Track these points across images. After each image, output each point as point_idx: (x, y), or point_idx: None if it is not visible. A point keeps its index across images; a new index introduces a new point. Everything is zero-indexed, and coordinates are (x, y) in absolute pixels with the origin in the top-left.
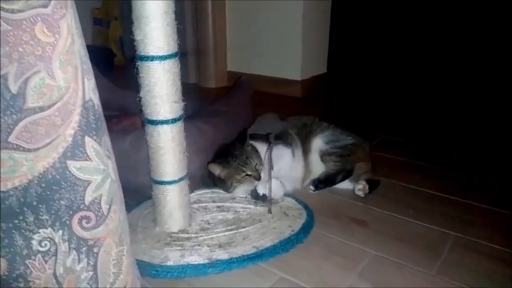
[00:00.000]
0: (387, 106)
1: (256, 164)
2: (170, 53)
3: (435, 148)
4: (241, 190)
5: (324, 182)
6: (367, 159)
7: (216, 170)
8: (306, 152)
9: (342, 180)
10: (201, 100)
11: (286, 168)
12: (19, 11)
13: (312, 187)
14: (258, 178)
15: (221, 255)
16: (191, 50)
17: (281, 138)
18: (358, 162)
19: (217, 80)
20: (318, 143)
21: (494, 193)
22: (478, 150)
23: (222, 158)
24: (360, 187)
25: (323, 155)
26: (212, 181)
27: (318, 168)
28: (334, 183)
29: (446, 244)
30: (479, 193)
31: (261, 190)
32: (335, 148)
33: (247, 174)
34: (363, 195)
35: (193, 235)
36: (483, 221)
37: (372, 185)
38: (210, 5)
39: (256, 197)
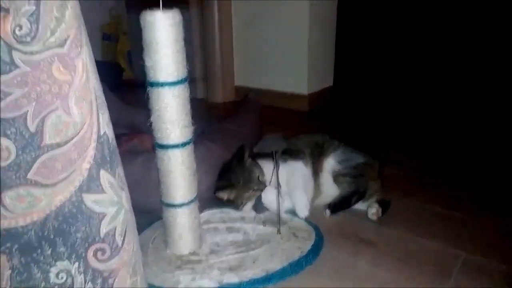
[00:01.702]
0: (393, 120)
1: (259, 176)
2: (179, 79)
3: (445, 165)
4: (250, 205)
5: (340, 206)
6: (377, 178)
7: (224, 196)
8: (317, 172)
9: (357, 202)
10: (209, 118)
11: (302, 179)
12: (37, 52)
13: (328, 211)
14: (263, 188)
15: (232, 278)
16: (199, 67)
17: (290, 155)
18: (370, 181)
19: (224, 95)
20: (330, 163)
21: (505, 212)
22: (490, 169)
23: (224, 179)
24: (374, 211)
25: (337, 176)
26: (222, 203)
27: (330, 189)
28: (350, 205)
29: (456, 265)
30: (490, 213)
31: (266, 199)
32: (348, 168)
33: (254, 189)
34: (376, 219)
35: (203, 258)
36: (493, 241)
37: (384, 206)
38: (217, 21)
39: (257, 209)
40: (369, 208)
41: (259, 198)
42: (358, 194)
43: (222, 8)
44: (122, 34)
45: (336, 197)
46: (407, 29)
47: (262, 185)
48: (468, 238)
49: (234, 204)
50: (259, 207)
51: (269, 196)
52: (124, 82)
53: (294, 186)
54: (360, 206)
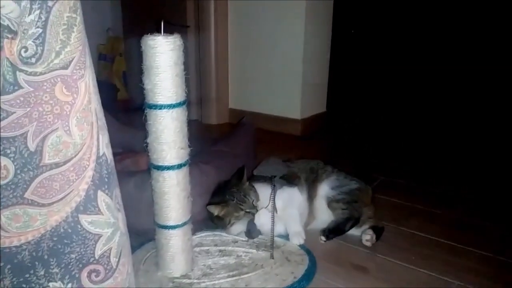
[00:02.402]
0: (386, 146)
1: (253, 200)
2: (178, 102)
3: (435, 191)
4: (238, 228)
5: (334, 232)
6: (370, 204)
7: (215, 211)
8: (311, 197)
9: (351, 228)
10: (203, 140)
11: (300, 208)
12: (41, 73)
13: (323, 238)
14: (255, 212)
15: None
16: (194, 89)
17: (287, 180)
18: (364, 207)
19: (218, 117)
20: (324, 189)
21: (497, 240)
22: (480, 195)
23: (219, 196)
24: (368, 238)
25: (331, 202)
26: (210, 219)
27: (324, 214)
28: (345, 231)
29: None
30: (480, 240)
31: (259, 221)
32: (342, 194)
33: (246, 212)
34: (370, 245)
35: (195, 281)
36: (485, 269)
37: (378, 233)
38: (213, 50)
39: (250, 235)
40: (363, 234)
41: (253, 224)
42: (352, 220)
43: (218, 33)
44: (118, 55)
45: (330, 223)
46: (399, 56)
47: (254, 210)
48: (461, 267)
49: (222, 221)
50: (252, 232)
51: (262, 219)
52: (118, 102)
53: (290, 214)
54: (354, 232)
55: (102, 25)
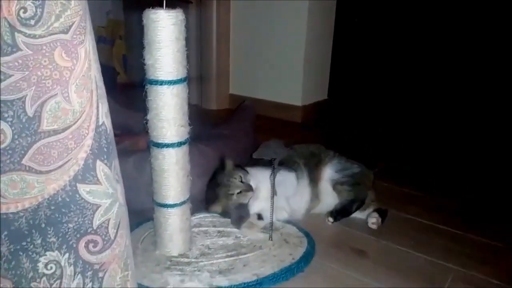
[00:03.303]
0: (386, 134)
1: (241, 178)
2: (179, 78)
3: (436, 178)
4: (256, 207)
5: (341, 213)
6: (372, 188)
7: (215, 208)
8: (315, 181)
9: (357, 209)
10: (203, 123)
11: (291, 191)
12: (40, 36)
13: (331, 219)
14: (249, 189)
15: (222, 282)
16: (194, 74)
17: (285, 165)
18: (367, 190)
19: (218, 103)
20: (328, 172)
21: (494, 226)
22: (479, 182)
23: (212, 195)
24: (374, 221)
25: (335, 185)
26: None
27: (328, 197)
28: (351, 213)
29: (446, 278)
30: (478, 226)
31: (255, 209)
32: (346, 177)
33: (237, 193)
34: (376, 228)
35: (193, 260)
36: (485, 256)
37: (383, 215)
38: (215, 30)
39: (238, 221)
40: (369, 217)
41: (242, 209)
42: (358, 202)
43: (220, 11)
44: (118, 38)
45: (336, 205)
46: (402, 44)
47: (244, 186)
48: (459, 252)
49: (229, 214)
50: (243, 216)
51: (258, 204)
52: (118, 85)
53: (281, 193)
54: (358, 215)
55: (102, 7)
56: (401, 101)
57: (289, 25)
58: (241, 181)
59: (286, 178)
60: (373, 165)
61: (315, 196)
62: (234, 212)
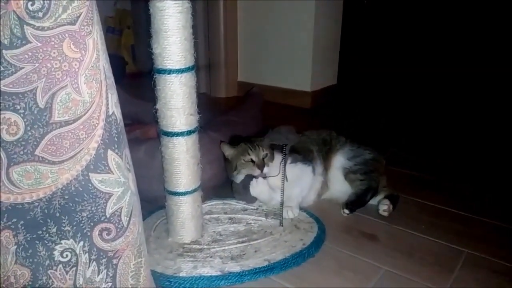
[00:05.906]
0: (396, 119)
1: (266, 156)
2: (187, 66)
3: (446, 163)
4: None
5: (356, 204)
6: (383, 173)
7: (226, 150)
8: (326, 168)
9: (372, 197)
10: (212, 110)
11: (306, 188)
12: (49, 28)
13: (347, 211)
14: (261, 167)
15: (233, 267)
16: (202, 62)
17: (300, 153)
18: (379, 176)
19: (227, 90)
20: (340, 160)
21: (505, 209)
22: (489, 166)
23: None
24: (385, 208)
25: (348, 173)
26: (224, 160)
27: (338, 184)
28: (366, 202)
29: (458, 261)
30: (490, 209)
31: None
32: (358, 165)
33: (251, 160)
34: (387, 215)
35: (205, 247)
36: (494, 238)
37: (394, 201)
38: (222, 17)
39: (239, 191)
40: (380, 205)
41: (246, 189)
42: (372, 190)
43: (227, 4)
44: (126, 27)
45: (350, 196)
46: (412, 28)
47: (260, 162)
48: (471, 236)
49: (230, 165)
50: (247, 197)
51: (260, 187)
52: (127, 75)
53: (294, 192)
54: (371, 201)
55: None
56: (411, 85)
57: (297, 10)
58: (263, 158)
59: (304, 172)
60: (384, 150)
61: (324, 183)
62: (239, 184)
